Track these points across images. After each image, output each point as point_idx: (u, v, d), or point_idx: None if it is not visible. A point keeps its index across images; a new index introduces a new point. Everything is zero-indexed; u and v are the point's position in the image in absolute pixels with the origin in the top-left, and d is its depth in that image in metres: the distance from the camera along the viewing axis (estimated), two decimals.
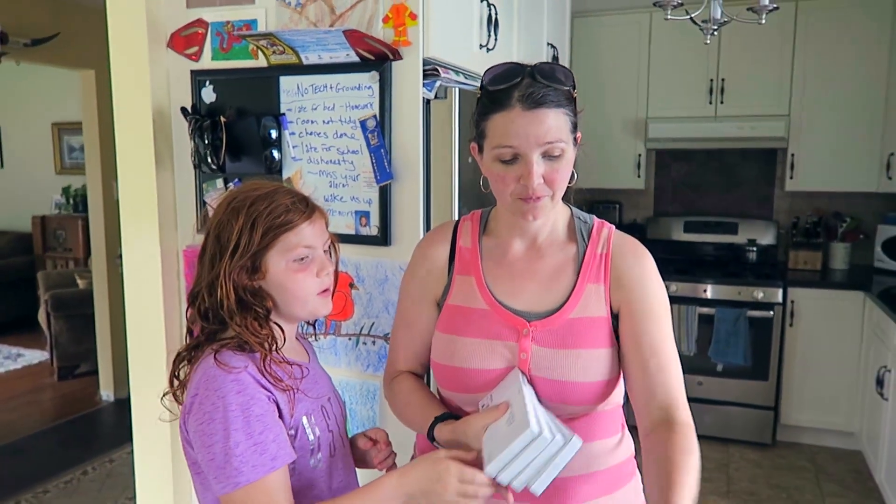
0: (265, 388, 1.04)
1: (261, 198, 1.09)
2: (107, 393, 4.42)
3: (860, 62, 3.52)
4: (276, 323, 1.12)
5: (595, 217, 1.23)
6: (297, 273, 1.09)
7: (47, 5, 3.82)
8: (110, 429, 4.02)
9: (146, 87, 1.85)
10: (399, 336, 1.28)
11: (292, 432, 1.07)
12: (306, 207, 1.11)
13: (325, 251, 1.15)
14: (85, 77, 4.11)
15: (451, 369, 1.14)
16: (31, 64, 3.96)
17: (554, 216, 1.18)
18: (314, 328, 1.49)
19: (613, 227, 1.21)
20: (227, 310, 1.06)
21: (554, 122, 1.05)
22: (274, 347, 1.08)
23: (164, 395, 1.13)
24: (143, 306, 1.93)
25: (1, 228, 6.61)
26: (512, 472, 0.96)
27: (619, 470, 1.18)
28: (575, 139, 1.11)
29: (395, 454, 1.28)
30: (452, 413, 1.16)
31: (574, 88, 1.10)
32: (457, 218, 1.35)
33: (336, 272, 1.19)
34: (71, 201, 6.28)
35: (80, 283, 4.96)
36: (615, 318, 1.13)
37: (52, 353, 4.79)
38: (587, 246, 1.17)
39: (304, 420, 1.10)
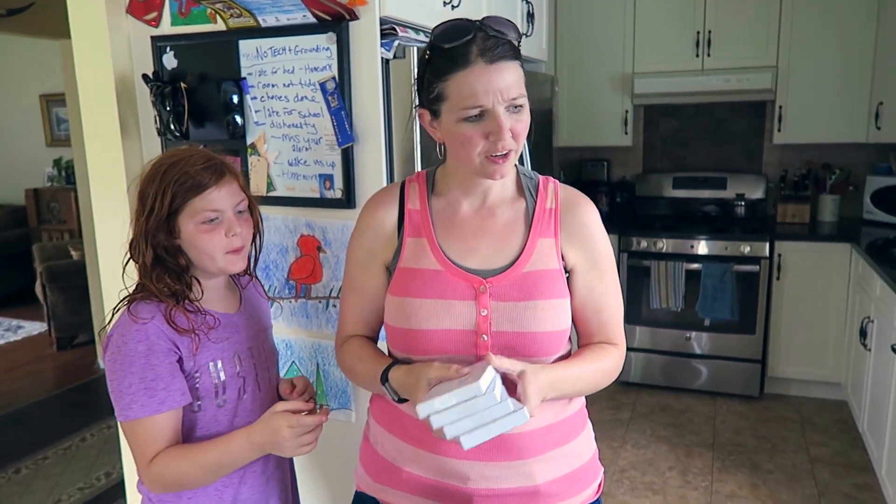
0: (168, 338, 1.18)
1: (174, 164, 1.20)
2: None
3: (848, 10, 3.46)
4: (194, 277, 1.26)
5: (537, 173, 1.24)
6: (205, 233, 1.21)
7: None
8: (107, 396, 4.08)
9: (107, 55, 1.83)
10: (347, 301, 1.28)
11: (197, 374, 1.21)
12: (213, 173, 1.21)
13: (241, 212, 1.25)
14: (66, 47, 4.07)
15: (406, 332, 1.14)
16: (7, 34, 3.91)
17: None
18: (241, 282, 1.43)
19: (557, 181, 1.23)
20: (142, 265, 1.22)
21: (515, 75, 1.07)
22: (183, 299, 1.22)
23: (99, 331, 1.31)
24: (117, 274, 1.94)
25: None
26: (445, 418, 0.97)
27: (572, 421, 1.21)
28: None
29: (314, 404, 1.29)
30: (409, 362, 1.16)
31: (520, 40, 1.11)
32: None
33: (256, 231, 1.31)
34: (63, 173, 6.28)
35: (74, 254, 4.99)
36: (567, 271, 1.17)
37: (49, 325, 4.85)
38: (536, 201, 1.19)
39: (211, 365, 1.23)
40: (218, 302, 1.30)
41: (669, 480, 2.93)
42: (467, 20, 1.09)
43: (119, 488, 2.97)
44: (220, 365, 1.24)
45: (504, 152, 1.08)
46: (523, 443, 1.13)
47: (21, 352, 4.90)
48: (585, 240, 1.18)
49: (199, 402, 1.23)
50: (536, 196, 1.19)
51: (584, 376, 1.15)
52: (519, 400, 1.01)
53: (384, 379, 1.14)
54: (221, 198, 1.21)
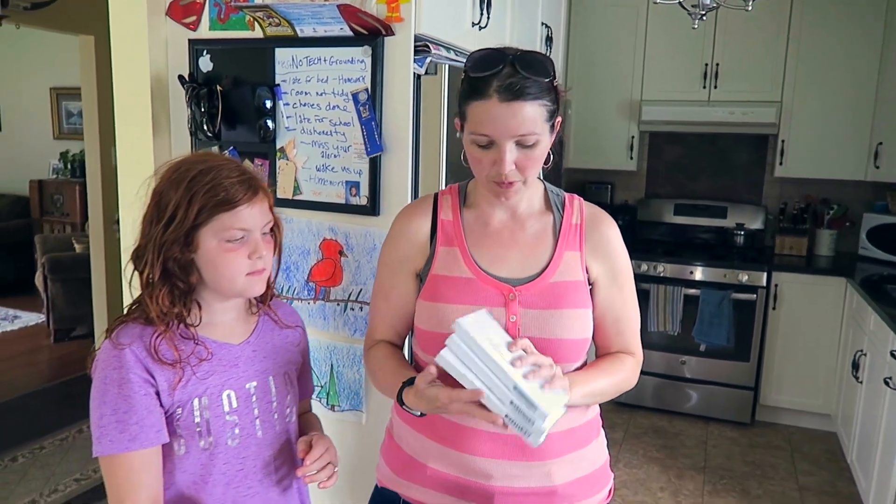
0: (144, 367, 1.06)
1: (203, 172, 1.08)
2: None
3: (853, 51, 3.56)
4: (197, 301, 1.13)
5: (563, 190, 1.31)
6: (228, 252, 1.09)
7: None
8: None
9: (144, 55, 1.89)
10: (377, 307, 1.33)
11: (179, 410, 1.09)
12: (248, 188, 1.09)
13: (265, 233, 1.14)
14: (84, 42, 4.12)
15: (437, 335, 1.17)
16: (30, 28, 3.97)
17: (530, 190, 1.24)
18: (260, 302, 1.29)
19: (582, 198, 1.29)
20: (147, 278, 1.09)
21: (529, 115, 1.09)
22: (178, 326, 1.10)
23: (89, 356, 1.13)
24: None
25: None
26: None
27: (588, 427, 1.27)
28: (553, 125, 1.15)
29: (327, 467, 1.19)
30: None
31: (554, 79, 1.13)
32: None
33: (279, 255, 1.19)
34: (69, 166, 6.31)
35: (78, 247, 5.01)
36: (590, 283, 1.23)
37: (48, 316, 4.86)
38: (563, 216, 1.25)
39: (195, 402, 1.10)
40: (222, 329, 1.17)
41: (661, 501, 2.97)
42: (501, 52, 1.12)
43: None
44: (204, 402, 1.10)
45: (507, 181, 1.14)
46: (545, 445, 1.17)
47: (17, 342, 4.91)
48: (607, 254, 1.24)
49: (183, 442, 1.10)
50: (563, 211, 1.26)
51: (598, 392, 1.21)
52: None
53: (400, 401, 1.17)
54: (252, 216, 1.10)
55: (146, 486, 1.06)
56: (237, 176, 1.09)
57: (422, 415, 1.17)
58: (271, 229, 1.16)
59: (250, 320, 1.23)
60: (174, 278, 1.08)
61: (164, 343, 1.07)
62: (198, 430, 1.10)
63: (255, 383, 1.17)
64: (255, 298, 1.24)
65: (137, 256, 1.11)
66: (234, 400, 1.14)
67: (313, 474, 1.15)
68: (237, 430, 1.14)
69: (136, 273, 1.12)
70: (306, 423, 1.34)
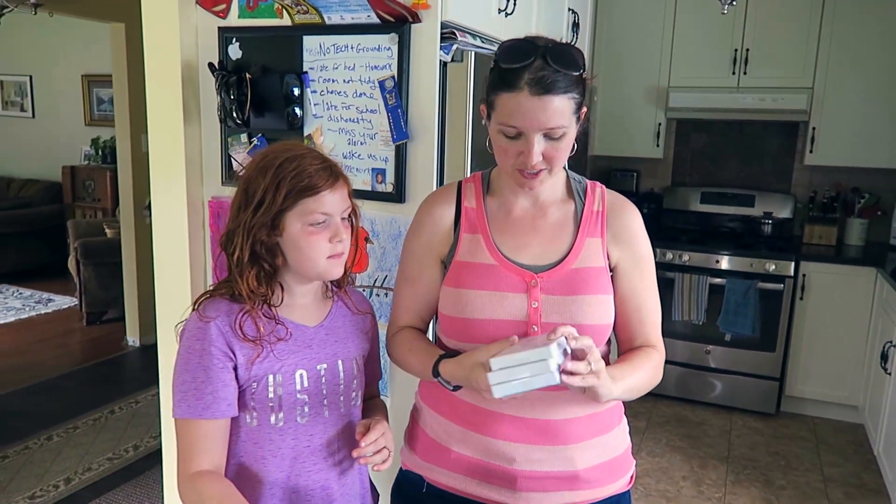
0: (226, 341, 1.13)
1: (289, 160, 1.15)
2: (132, 338, 4.60)
3: (887, 37, 3.48)
4: (280, 282, 1.20)
5: (585, 178, 1.31)
6: (311, 236, 1.15)
7: None
8: (136, 372, 4.21)
9: (175, 43, 1.92)
10: (401, 293, 1.34)
11: (254, 384, 1.16)
12: (330, 175, 1.16)
13: (343, 218, 1.20)
14: (115, 30, 4.18)
15: (461, 321, 1.21)
16: (63, 16, 4.04)
17: (552, 178, 1.24)
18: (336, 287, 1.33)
19: (604, 186, 1.29)
20: (237, 259, 1.16)
21: (559, 108, 1.09)
22: (261, 305, 1.17)
23: (177, 325, 1.22)
24: (171, 254, 2.04)
25: (32, 177, 6.81)
26: (505, 376, 1.03)
27: (611, 413, 1.28)
28: (579, 116, 1.15)
29: (382, 451, 1.21)
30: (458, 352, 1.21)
31: (584, 71, 1.13)
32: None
33: (356, 239, 1.25)
34: (100, 153, 6.42)
35: (109, 232, 5.11)
36: (611, 269, 1.24)
37: (81, 299, 4.97)
38: (584, 203, 1.26)
39: (270, 378, 1.16)
40: (300, 311, 1.23)
41: (683, 490, 2.97)
42: (532, 43, 1.11)
43: (146, 461, 3.07)
44: (279, 379, 1.17)
45: (533, 171, 1.15)
46: (567, 429, 1.19)
47: (51, 324, 5.03)
48: (628, 241, 1.24)
49: (255, 415, 1.18)
50: (584, 198, 1.26)
51: (635, 387, 1.20)
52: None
53: (435, 374, 1.20)
54: (333, 201, 1.16)
55: (210, 452, 1.14)
56: (320, 163, 1.16)
57: (455, 388, 1.19)
58: (349, 216, 1.22)
59: (325, 305, 1.28)
60: (261, 260, 1.16)
61: (248, 320, 1.15)
62: (270, 405, 1.17)
63: (325, 365, 1.23)
64: (332, 284, 1.30)
65: (227, 240, 1.18)
66: (305, 379, 1.20)
67: (368, 456, 1.19)
68: (307, 409, 1.20)
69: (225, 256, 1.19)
70: (371, 408, 1.37)
